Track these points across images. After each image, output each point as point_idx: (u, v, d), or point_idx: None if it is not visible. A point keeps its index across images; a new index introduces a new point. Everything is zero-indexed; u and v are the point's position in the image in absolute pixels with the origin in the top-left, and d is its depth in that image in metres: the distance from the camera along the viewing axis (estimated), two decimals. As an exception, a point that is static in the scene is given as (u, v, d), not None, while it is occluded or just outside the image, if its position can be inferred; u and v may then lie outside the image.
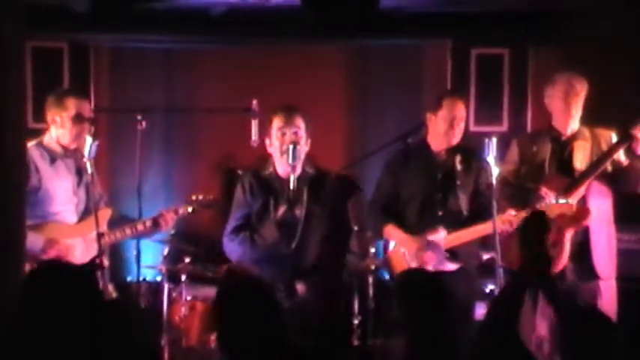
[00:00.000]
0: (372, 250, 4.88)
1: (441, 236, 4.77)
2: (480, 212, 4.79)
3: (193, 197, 4.90)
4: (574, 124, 4.88)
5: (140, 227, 4.66)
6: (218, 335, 2.70)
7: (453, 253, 4.76)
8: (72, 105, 4.58)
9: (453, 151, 4.87)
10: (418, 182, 4.87)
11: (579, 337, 2.83)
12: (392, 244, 4.93)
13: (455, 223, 4.80)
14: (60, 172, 4.59)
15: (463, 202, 4.83)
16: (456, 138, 4.85)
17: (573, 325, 2.92)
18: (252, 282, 2.79)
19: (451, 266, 4.72)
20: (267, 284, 2.87)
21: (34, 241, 4.36)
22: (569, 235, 4.63)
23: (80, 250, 4.61)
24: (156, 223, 4.69)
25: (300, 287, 4.62)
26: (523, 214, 4.53)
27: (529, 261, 3.01)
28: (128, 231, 4.66)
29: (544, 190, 4.74)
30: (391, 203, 4.92)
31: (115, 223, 4.71)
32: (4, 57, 3.47)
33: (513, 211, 4.60)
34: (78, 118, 4.56)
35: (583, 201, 4.73)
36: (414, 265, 4.78)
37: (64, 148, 4.61)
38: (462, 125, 4.86)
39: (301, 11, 4.78)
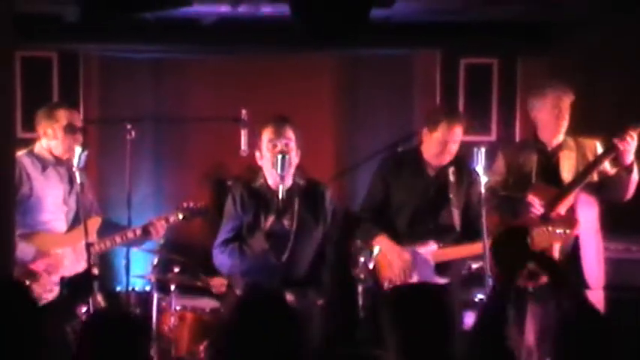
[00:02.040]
0: (362, 259, 4.89)
1: (431, 250, 4.77)
2: (472, 229, 4.79)
3: (184, 205, 4.90)
4: (560, 136, 4.89)
5: (130, 235, 4.66)
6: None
7: (441, 267, 4.77)
8: (63, 116, 4.60)
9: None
10: (410, 192, 4.87)
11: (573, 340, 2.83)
12: (376, 250, 4.87)
13: (446, 237, 4.81)
14: (51, 181, 4.60)
15: (455, 216, 4.83)
16: (448, 159, 4.85)
17: (568, 328, 2.93)
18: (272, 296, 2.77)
19: (440, 280, 4.72)
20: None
21: (24, 250, 4.37)
22: (557, 246, 4.65)
23: (70, 259, 4.61)
24: (146, 232, 4.70)
25: (289, 297, 4.62)
26: None
27: (505, 277, 3.01)
28: (118, 239, 4.66)
29: (531, 198, 4.76)
30: (382, 210, 4.92)
31: (105, 230, 4.71)
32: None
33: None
34: (70, 129, 4.58)
35: (571, 211, 4.75)
36: (399, 277, 4.75)
37: (56, 157, 4.61)
38: (456, 147, 4.85)
39: (291, 21, 4.79)
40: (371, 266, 4.88)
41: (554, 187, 4.81)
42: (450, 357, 2.85)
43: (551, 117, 4.84)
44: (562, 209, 4.72)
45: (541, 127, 4.93)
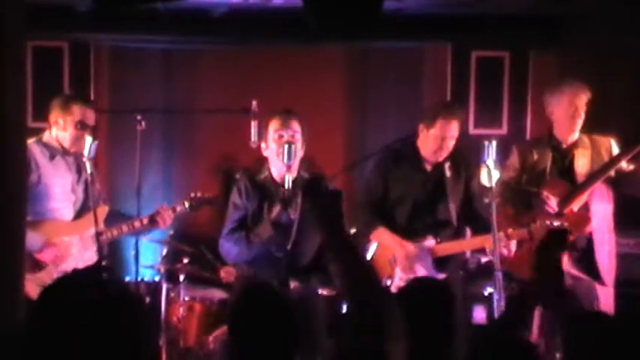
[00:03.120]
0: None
1: (429, 245, 4.75)
2: (471, 224, 4.78)
3: (192, 194, 4.91)
4: (576, 134, 4.87)
5: (137, 224, 4.67)
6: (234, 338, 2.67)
7: (440, 263, 4.76)
8: (77, 111, 4.61)
9: None
10: (407, 186, 4.84)
11: (580, 339, 2.83)
12: (372, 248, 4.86)
13: (443, 232, 4.79)
14: (59, 169, 4.62)
15: (452, 210, 4.81)
16: (445, 155, 4.82)
17: (573, 328, 2.92)
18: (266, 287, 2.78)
19: (439, 276, 4.71)
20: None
21: (32, 239, 4.37)
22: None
23: (77, 248, 4.62)
24: (153, 221, 4.70)
25: (293, 284, 4.61)
26: (519, 232, 4.53)
27: (541, 280, 2.99)
28: (125, 228, 4.67)
29: (545, 194, 4.73)
30: (380, 205, 4.89)
31: (112, 220, 4.72)
32: (5, 56, 3.46)
33: (510, 229, 4.56)
34: (81, 125, 4.59)
35: (585, 207, 4.73)
36: (400, 271, 4.73)
37: (64, 147, 4.64)
38: (452, 143, 4.82)
39: (302, 12, 4.78)
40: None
41: (569, 184, 4.77)
42: (455, 351, 2.85)
43: (567, 115, 4.80)
44: (575, 206, 4.70)
45: (556, 124, 4.88)
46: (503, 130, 6.24)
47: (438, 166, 4.84)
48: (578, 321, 2.96)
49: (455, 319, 2.93)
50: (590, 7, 5.62)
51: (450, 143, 4.79)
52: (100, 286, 2.09)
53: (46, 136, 4.64)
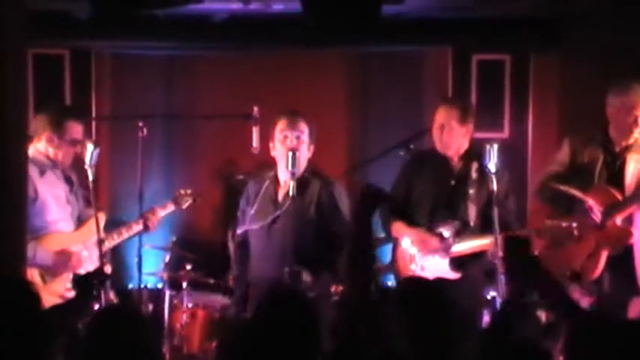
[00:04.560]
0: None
1: (449, 232, 4.73)
2: (489, 225, 4.74)
3: (176, 193, 4.96)
4: (631, 139, 4.67)
5: (136, 227, 4.68)
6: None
7: (457, 262, 4.73)
8: (71, 129, 4.58)
9: (468, 158, 4.82)
10: (429, 186, 4.83)
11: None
12: (406, 242, 4.82)
13: (462, 232, 4.76)
14: (52, 183, 4.58)
15: (472, 212, 4.76)
16: (447, 145, 4.79)
17: (576, 332, 2.91)
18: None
19: (454, 275, 4.69)
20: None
21: (42, 254, 4.39)
22: (605, 254, 4.57)
23: (87, 254, 4.63)
24: (145, 225, 4.71)
25: (305, 277, 4.55)
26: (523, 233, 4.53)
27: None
28: (125, 232, 4.68)
29: (590, 204, 4.60)
30: (402, 205, 4.88)
31: (110, 226, 4.72)
32: (6, 64, 3.47)
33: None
34: (75, 142, 4.57)
35: (629, 219, 4.58)
36: (418, 256, 4.72)
37: (52, 160, 4.58)
38: (451, 132, 4.78)
39: (302, 18, 4.78)
40: (388, 260, 4.87)
41: (616, 190, 4.60)
42: (458, 352, 2.84)
43: (627, 119, 4.62)
44: (619, 219, 4.60)
45: (613, 125, 4.69)
46: (505, 133, 6.23)
47: (465, 166, 4.81)
48: (581, 325, 2.96)
49: (449, 321, 2.92)
50: (589, 9, 5.62)
51: (445, 130, 4.76)
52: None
53: (32, 151, 4.54)
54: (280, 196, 4.65)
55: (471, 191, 4.77)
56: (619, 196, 4.61)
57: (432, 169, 4.85)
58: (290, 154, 4.52)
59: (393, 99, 6.39)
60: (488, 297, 5.09)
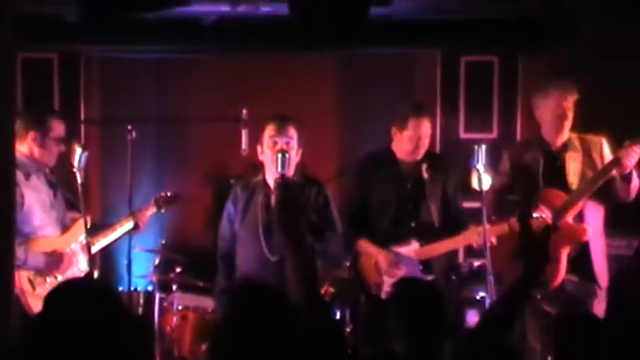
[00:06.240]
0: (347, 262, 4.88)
1: (413, 248, 4.75)
2: (451, 224, 4.78)
3: (157, 195, 4.97)
4: (565, 135, 4.84)
5: (119, 228, 4.68)
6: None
7: (427, 265, 4.75)
8: (55, 126, 4.57)
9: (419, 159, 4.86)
10: (388, 192, 4.84)
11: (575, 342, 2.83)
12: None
13: (427, 234, 4.79)
14: (36, 187, 4.56)
15: (434, 212, 4.81)
16: (422, 153, 4.83)
17: (565, 329, 2.93)
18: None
19: (427, 278, 4.71)
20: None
21: (34, 257, 4.38)
22: (565, 254, 4.63)
23: (79, 255, 4.62)
24: (136, 225, 4.72)
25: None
26: (500, 228, 4.54)
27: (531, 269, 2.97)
28: (110, 233, 4.68)
29: (541, 209, 4.69)
30: (362, 214, 4.89)
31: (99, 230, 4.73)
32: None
33: (488, 225, 4.53)
34: (58, 141, 4.56)
35: (579, 216, 4.70)
36: (386, 279, 4.73)
37: (37, 163, 4.56)
38: (427, 141, 4.84)
39: (290, 20, 4.79)
40: (353, 272, 4.88)
41: (560, 190, 4.72)
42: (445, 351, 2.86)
43: (555, 116, 4.76)
44: (570, 218, 4.68)
45: (544, 126, 4.85)
46: (494, 134, 6.26)
47: (416, 169, 4.83)
48: (569, 322, 2.97)
49: (442, 320, 2.94)
50: (578, 10, 5.64)
51: (426, 142, 4.81)
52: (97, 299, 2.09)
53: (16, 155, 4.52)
54: (273, 201, 4.63)
55: (427, 191, 4.80)
56: (565, 196, 4.71)
57: (386, 173, 4.87)
58: (279, 155, 4.50)
59: (383, 101, 6.40)
60: (477, 297, 5.12)
